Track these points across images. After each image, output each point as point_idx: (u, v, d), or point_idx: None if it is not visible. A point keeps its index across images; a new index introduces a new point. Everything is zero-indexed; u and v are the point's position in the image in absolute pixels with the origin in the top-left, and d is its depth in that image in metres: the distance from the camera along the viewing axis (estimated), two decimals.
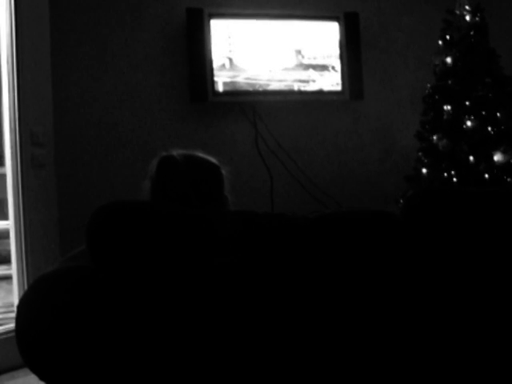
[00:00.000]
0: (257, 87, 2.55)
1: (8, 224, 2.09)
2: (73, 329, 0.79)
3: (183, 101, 2.57)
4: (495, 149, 2.29)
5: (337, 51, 2.64)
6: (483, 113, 2.32)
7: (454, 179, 2.31)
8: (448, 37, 2.44)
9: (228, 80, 2.51)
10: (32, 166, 2.04)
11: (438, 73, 2.47)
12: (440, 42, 2.47)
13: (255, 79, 2.54)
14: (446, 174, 2.35)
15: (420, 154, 2.50)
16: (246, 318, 0.83)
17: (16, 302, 2.03)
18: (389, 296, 0.86)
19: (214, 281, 0.84)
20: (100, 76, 2.43)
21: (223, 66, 2.51)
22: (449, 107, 2.37)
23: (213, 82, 2.49)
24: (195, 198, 1.09)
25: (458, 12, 2.45)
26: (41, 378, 0.82)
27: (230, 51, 2.50)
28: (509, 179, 2.25)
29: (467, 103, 2.33)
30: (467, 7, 2.42)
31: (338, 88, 2.66)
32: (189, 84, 2.52)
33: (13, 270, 2.06)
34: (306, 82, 2.60)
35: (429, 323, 0.85)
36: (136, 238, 0.86)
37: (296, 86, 2.58)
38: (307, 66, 2.60)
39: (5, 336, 1.99)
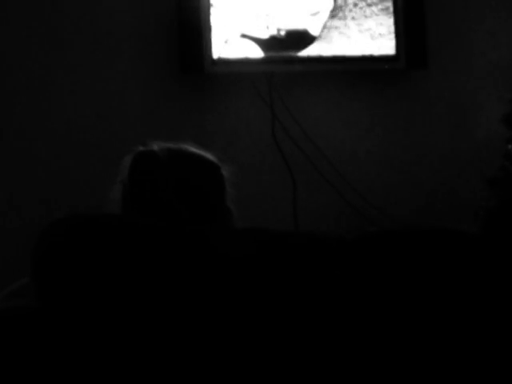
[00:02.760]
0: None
1: None
2: None
3: (169, 73, 2.61)
4: None
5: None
6: None
7: None
8: None
9: (233, 40, 2.55)
10: None
11: None
12: None
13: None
14: None
15: (510, 146, 2.51)
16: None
17: None
18: (461, 347, 0.90)
19: (214, 331, 0.87)
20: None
21: (226, 19, 2.55)
22: None
23: (211, 44, 2.52)
24: (185, 209, 1.12)
25: None
26: None
27: None
28: None
29: None
30: None
31: (390, 52, 2.68)
32: (178, 48, 2.56)
33: None
34: (344, 44, 2.64)
35: None
36: (102, 266, 0.88)
37: (329, 51, 2.63)
38: (343, 20, 2.64)
39: None
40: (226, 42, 2.57)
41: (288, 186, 2.70)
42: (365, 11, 2.65)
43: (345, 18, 2.64)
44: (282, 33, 2.61)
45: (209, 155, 1.23)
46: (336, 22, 2.64)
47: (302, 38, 2.62)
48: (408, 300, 0.91)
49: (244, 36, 2.56)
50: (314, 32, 2.63)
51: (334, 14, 2.63)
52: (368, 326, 0.89)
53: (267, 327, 0.88)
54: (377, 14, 2.66)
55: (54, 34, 2.53)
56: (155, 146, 1.19)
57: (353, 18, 2.64)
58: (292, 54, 2.63)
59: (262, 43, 2.59)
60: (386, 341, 0.89)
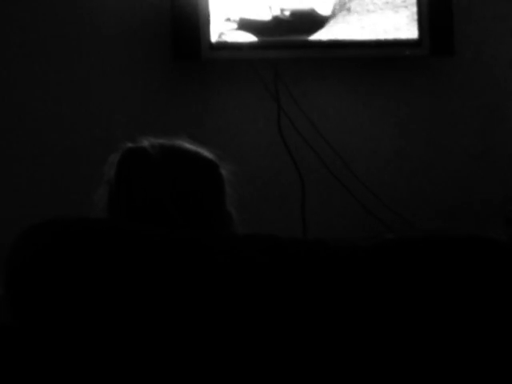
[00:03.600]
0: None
1: None
2: None
3: (161, 60, 2.61)
4: None
5: None
6: None
7: None
8: None
9: (233, 22, 2.55)
10: None
11: None
12: None
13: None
14: None
15: None
16: None
17: None
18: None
19: (217, 352, 0.89)
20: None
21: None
22: None
23: (208, 26, 2.52)
24: (179, 213, 1.12)
25: None
26: None
27: None
28: None
29: None
30: None
31: (412, 36, 2.67)
32: (171, 32, 2.56)
33: None
34: (358, 26, 2.63)
35: None
36: (84, 278, 0.88)
37: (341, 35, 2.62)
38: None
39: None
40: (225, 24, 2.57)
41: (296, 186, 2.69)
42: None
43: None
44: (287, 13, 2.60)
45: (206, 153, 1.23)
46: (349, 1, 2.64)
47: (310, 20, 2.62)
48: (430, 318, 0.92)
49: (244, 18, 2.57)
50: (323, 12, 2.63)
51: None
52: (383, 346, 0.90)
53: (270, 346, 0.90)
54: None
55: (38, 18, 2.56)
56: (146, 142, 1.19)
57: None
58: (300, 38, 2.63)
59: (265, 26, 2.59)
60: (404, 362, 0.91)
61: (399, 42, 2.68)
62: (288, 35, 2.61)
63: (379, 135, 2.83)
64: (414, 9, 2.65)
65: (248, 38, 2.58)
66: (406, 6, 2.66)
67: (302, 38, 2.62)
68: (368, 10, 2.65)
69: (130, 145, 1.20)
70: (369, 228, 2.67)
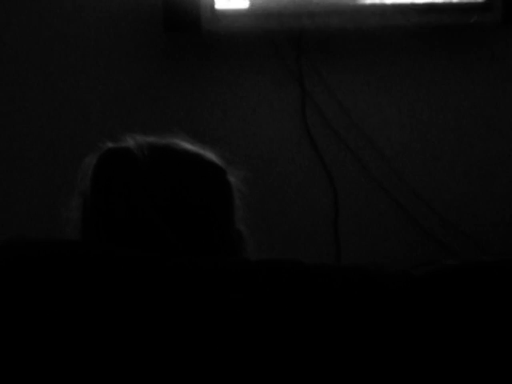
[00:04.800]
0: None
1: None
2: None
3: (152, 31, 2.63)
4: None
5: None
6: None
7: None
8: None
9: None
10: None
11: None
12: None
13: None
14: None
15: None
16: None
17: None
18: None
19: None
20: None
21: None
22: None
23: None
24: (174, 233, 1.13)
25: None
26: None
27: None
28: None
29: None
30: None
31: None
32: None
33: None
34: None
35: None
36: (47, 313, 0.91)
37: None
38: None
39: None
40: None
41: (324, 190, 2.70)
42: None
43: None
44: None
45: (210, 154, 1.24)
46: None
47: None
48: (496, 368, 0.96)
49: None
50: None
51: None
52: None
53: None
54: None
55: None
56: (131, 141, 1.20)
57: None
58: (331, 1, 2.65)
59: None
60: None
61: (463, 6, 2.70)
62: None
63: (431, 125, 2.83)
64: None
65: (262, 2, 2.59)
66: None
67: (333, 1, 2.64)
68: None
69: (110, 145, 1.20)
70: (422, 249, 2.68)
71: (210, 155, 1.24)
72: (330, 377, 0.94)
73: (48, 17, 2.60)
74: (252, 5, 2.58)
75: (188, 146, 1.23)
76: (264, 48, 2.68)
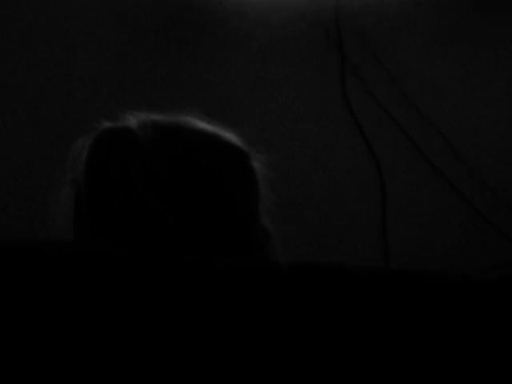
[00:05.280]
0: None
1: None
2: None
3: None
4: None
5: None
6: None
7: None
8: None
9: None
10: None
11: None
12: None
13: None
14: None
15: None
16: None
17: None
18: None
19: None
20: None
21: None
22: None
23: None
24: (185, 228, 1.14)
25: None
26: None
27: None
28: None
29: None
30: None
31: None
32: None
33: None
34: None
35: None
36: (38, 324, 0.92)
37: None
38: None
39: None
40: None
41: (373, 188, 2.66)
42: None
43: None
44: None
45: (230, 135, 1.22)
46: None
47: None
48: None
49: None
50: None
51: None
52: None
53: None
54: None
55: None
56: (132, 120, 1.19)
57: None
58: None
59: None
60: None
61: None
62: None
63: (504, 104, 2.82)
64: None
65: None
66: None
67: None
68: None
69: (106, 124, 1.19)
70: (482, 243, 2.65)
71: (230, 136, 1.23)
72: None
73: None
74: None
75: (204, 125, 1.22)
76: (290, 9, 2.65)
